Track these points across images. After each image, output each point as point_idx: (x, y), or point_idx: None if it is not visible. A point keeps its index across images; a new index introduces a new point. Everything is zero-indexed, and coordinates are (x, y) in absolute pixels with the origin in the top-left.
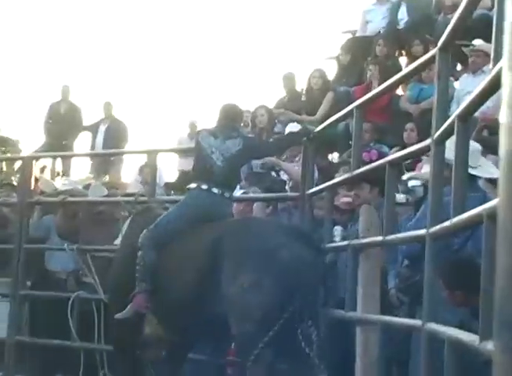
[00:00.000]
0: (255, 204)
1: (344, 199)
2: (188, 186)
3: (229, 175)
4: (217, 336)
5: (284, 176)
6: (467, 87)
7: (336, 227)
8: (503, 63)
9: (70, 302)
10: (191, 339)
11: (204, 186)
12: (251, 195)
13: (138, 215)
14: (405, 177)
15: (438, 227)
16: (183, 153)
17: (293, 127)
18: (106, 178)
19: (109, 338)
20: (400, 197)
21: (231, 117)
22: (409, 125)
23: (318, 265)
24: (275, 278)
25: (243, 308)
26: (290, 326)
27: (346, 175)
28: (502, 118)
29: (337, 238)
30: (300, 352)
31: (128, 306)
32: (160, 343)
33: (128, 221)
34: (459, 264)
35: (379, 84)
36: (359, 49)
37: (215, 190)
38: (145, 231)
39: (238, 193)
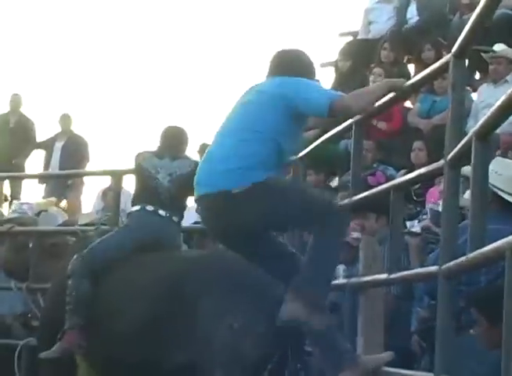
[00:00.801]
0: None
1: (353, 234)
2: (128, 212)
3: (178, 197)
4: None
5: None
6: (487, 99)
7: (338, 266)
8: None
9: (17, 351)
10: None
11: (149, 208)
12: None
13: (75, 246)
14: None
15: (451, 263)
16: None
17: None
18: (63, 203)
19: None
20: (414, 226)
21: (177, 140)
22: (417, 144)
23: None
24: (270, 316)
25: (234, 352)
26: (278, 369)
27: (344, 202)
28: None
29: (339, 279)
30: None
31: (57, 344)
32: None
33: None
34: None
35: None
36: (361, 54)
37: (162, 213)
38: (76, 256)
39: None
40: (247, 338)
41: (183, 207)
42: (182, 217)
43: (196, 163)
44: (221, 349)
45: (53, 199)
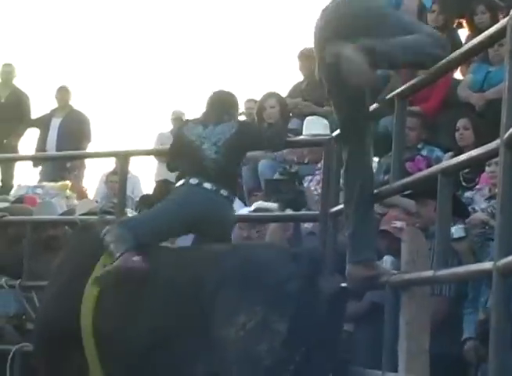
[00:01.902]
0: (270, 227)
1: (395, 223)
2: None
3: (227, 169)
4: None
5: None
6: None
7: (385, 258)
8: None
9: (10, 357)
10: None
11: (194, 181)
12: (252, 213)
13: (78, 234)
14: None
15: (509, 259)
16: (164, 156)
17: (315, 123)
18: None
19: None
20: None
21: (223, 106)
22: (461, 122)
23: (338, 300)
24: (287, 315)
25: (249, 356)
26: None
27: (384, 187)
28: None
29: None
30: None
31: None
32: None
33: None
34: None
35: None
36: None
37: (208, 186)
38: (108, 228)
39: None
40: (262, 339)
41: (234, 180)
42: (233, 192)
43: (240, 122)
44: (237, 355)
45: (68, 182)
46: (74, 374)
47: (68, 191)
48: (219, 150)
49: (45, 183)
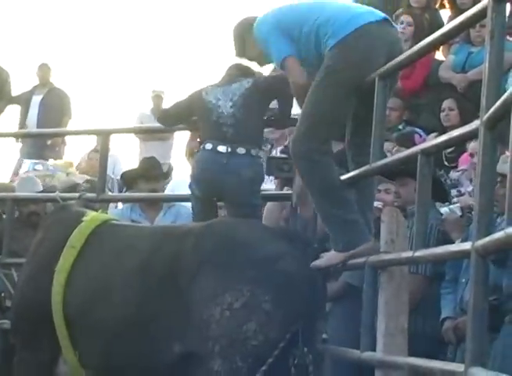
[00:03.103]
0: (267, 205)
1: (382, 196)
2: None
3: (245, 122)
4: None
5: None
6: None
7: None
8: None
9: None
10: None
11: (208, 146)
12: None
13: (55, 213)
14: None
15: (487, 240)
16: (146, 134)
17: None
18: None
19: None
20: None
21: (240, 69)
22: (447, 103)
23: (322, 279)
24: (276, 294)
25: (235, 336)
26: (284, 355)
27: (364, 168)
28: None
29: None
30: None
31: None
32: None
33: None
34: None
35: (412, 45)
36: None
37: (222, 148)
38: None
39: None
40: (250, 318)
41: (257, 133)
42: (256, 145)
43: (255, 78)
44: (221, 333)
45: (71, 160)
46: (49, 351)
47: (70, 168)
48: (235, 103)
49: (51, 160)
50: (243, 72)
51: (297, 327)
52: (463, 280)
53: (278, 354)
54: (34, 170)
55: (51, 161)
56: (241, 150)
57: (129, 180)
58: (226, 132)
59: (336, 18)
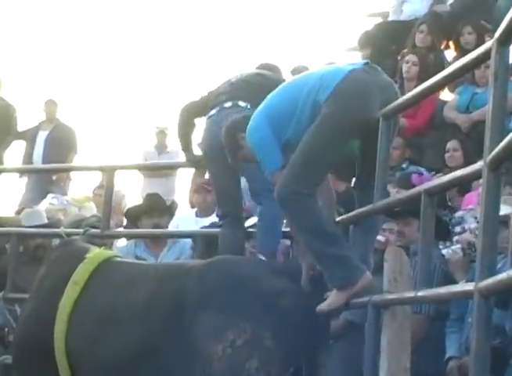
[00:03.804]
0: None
1: (386, 234)
2: None
3: (249, 87)
4: None
5: None
6: None
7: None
8: None
9: None
10: None
11: (213, 112)
12: None
13: (59, 250)
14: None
15: (490, 281)
16: (150, 171)
17: None
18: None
19: None
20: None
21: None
22: (451, 144)
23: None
24: (279, 332)
25: (235, 373)
26: None
27: (367, 207)
28: None
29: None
30: None
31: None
32: None
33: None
34: None
35: (417, 85)
36: (391, 38)
37: (228, 104)
38: None
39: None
40: (252, 356)
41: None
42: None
43: None
44: (222, 371)
45: (89, 194)
46: None
47: (87, 203)
48: (241, 75)
49: (70, 197)
50: None
51: (299, 362)
52: (470, 320)
53: None
54: (50, 204)
55: (69, 196)
56: (242, 103)
57: (133, 216)
58: (231, 92)
59: (322, 77)
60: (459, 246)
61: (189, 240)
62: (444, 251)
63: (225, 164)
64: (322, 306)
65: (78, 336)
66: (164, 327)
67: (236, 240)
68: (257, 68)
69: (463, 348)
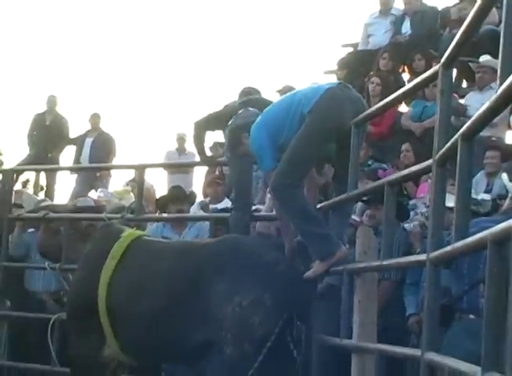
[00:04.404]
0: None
1: (354, 217)
2: None
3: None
4: (188, 362)
5: None
6: (474, 104)
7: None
8: None
9: (50, 324)
10: (155, 367)
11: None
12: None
13: (101, 230)
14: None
15: (438, 252)
16: (173, 168)
17: None
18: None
19: (67, 361)
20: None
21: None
22: (405, 146)
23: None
24: (275, 293)
25: (243, 327)
26: (280, 337)
27: (342, 196)
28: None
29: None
30: (287, 356)
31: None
32: (118, 368)
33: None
34: None
35: (380, 100)
36: (359, 63)
37: (240, 111)
38: None
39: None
40: (255, 313)
41: None
42: None
43: None
44: (232, 325)
45: (129, 187)
46: (95, 337)
47: (127, 195)
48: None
49: (114, 190)
50: None
51: (289, 315)
52: (425, 284)
53: (274, 338)
54: (98, 196)
55: (112, 189)
56: None
57: (161, 204)
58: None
59: (306, 94)
60: (417, 222)
61: (206, 222)
62: (406, 226)
63: (248, 162)
64: (309, 273)
65: (116, 297)
66: (185, 291)
67: (244, 221)
68: (242, 91)
69: (419, 307)
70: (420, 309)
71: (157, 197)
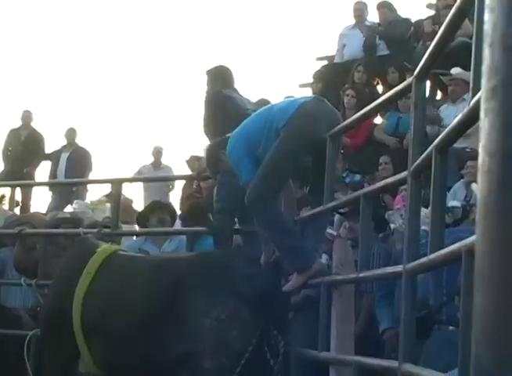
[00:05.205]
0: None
1: (328, 230)
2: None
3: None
4: None
5: None
6: (448, 117)
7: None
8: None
9: (26, 341)
10: None
11: None
12: None
13: (76, 245)
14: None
15: (414, 263)
16: (148, 183)
17: None
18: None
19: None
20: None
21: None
22: (383, 159)
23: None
24: (251, 307)
25: (221, 341)
26: (258, 347)
27: (319, 208)
28: (479, 161)
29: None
30: (265, 366)
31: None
32: None
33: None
34: None
35: (355, 112)
36: (336, 76)
37: None
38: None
39: None
40: (233, 326)
41: None
42: None
43: None
44: (210, 339)
45: (104, 197)
46: (69, 352)
47: (101, 206)
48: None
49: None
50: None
51: (265, 325)
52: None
53: (252, 349)
54: (73, 208)
55: (90, 199)
56: None
57: (142, 218)
58: None
59: (281, 109)
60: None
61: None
62: (392, 225)
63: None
64: (287, 287)
65: (91, 313)
66: (162, 306)
67: (228, 232)
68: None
69: (395, 320)
70: (395, 322)
71: (136, 209)
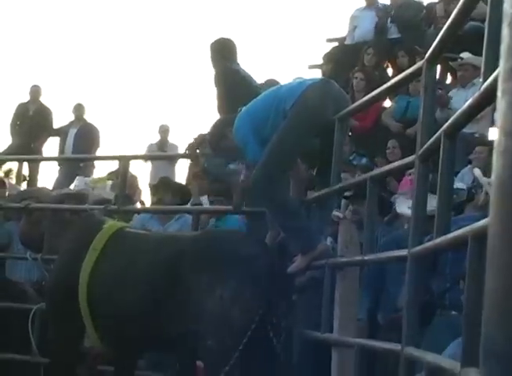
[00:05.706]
0: None
1: (334, 213)
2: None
3: None
4: (167, 352)
5: None
6: (458, 101)
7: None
8: (500, 74)
9: (31, 314)
10: (134, 356)
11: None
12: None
13: (82, 220)
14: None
15: (420, 247)
16: (156, 160)
17: None
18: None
19: (47, 351)
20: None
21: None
22: (391, 143)
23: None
24: (254, 286)
25: (224, 319)
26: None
27: (325, 190)
28: (495, 140)
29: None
30: (267, 344)
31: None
32: (98, 357)
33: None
34: None
35: (364, 95)
36: (345, 58)
37: None
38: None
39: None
40: (235, 305)
41: None
42: None
43: None
44: (213, 317)
45: (105, 175)
46: (74, 327)
47: (101, 183)
48: None
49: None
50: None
51: (268, 304)
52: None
53: (254, 327)
54: (75, 185)
55: (92, 176)
56: None
57: (154, 194)
58: None
59: (289, 89)
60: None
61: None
62: (397, 209)
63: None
64: (291, 268)
65: (97, 288)
66: (165, 282)
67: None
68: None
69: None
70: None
71: (140, 187)
